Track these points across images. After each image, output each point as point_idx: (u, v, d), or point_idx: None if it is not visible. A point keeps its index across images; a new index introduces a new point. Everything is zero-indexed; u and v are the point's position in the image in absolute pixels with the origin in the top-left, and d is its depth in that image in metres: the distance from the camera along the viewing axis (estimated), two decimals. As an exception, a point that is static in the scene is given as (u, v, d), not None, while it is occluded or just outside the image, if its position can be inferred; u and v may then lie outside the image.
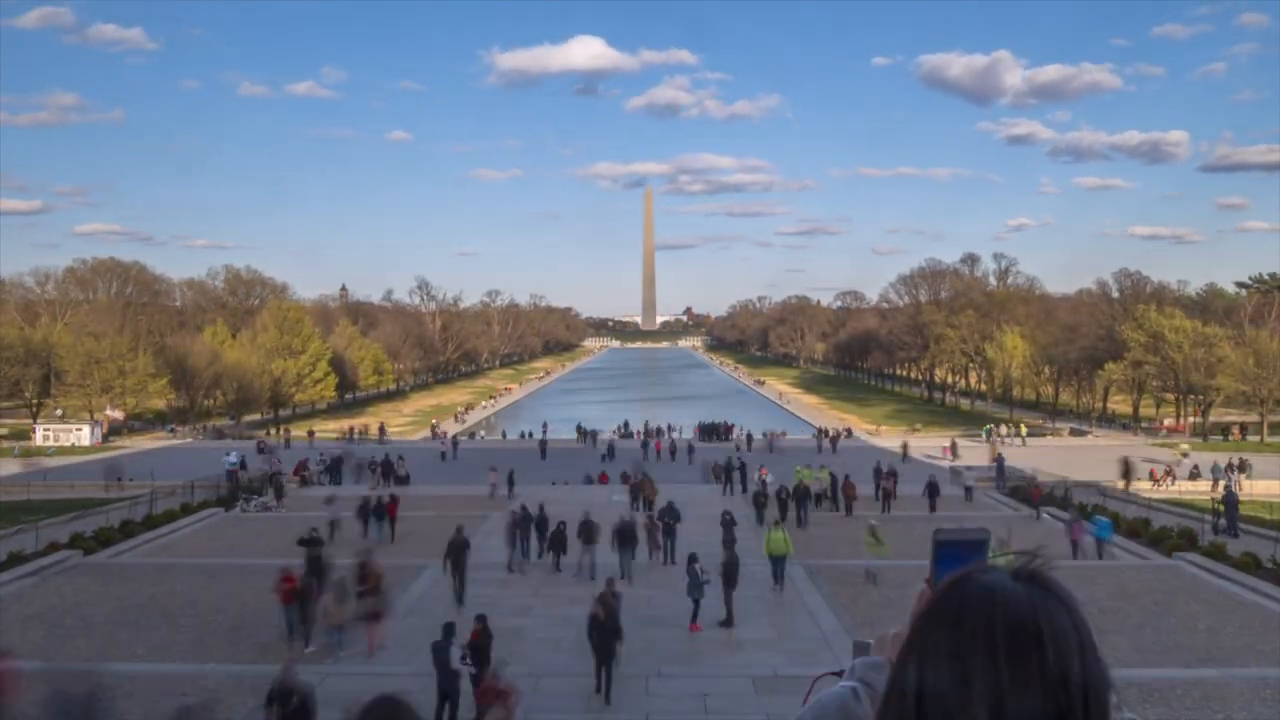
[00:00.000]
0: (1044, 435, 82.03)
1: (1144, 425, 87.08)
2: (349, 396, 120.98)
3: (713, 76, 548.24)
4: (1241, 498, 37.08)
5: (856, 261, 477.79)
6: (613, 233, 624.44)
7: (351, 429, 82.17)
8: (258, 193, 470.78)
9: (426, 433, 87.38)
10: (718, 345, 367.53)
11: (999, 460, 48.38)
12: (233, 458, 49.00)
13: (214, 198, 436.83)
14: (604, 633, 16.17)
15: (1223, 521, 33.56)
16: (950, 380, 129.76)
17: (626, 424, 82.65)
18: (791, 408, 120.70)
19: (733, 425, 78.95)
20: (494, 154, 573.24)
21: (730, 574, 21.24)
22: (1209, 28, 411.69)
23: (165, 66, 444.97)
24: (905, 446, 62.90)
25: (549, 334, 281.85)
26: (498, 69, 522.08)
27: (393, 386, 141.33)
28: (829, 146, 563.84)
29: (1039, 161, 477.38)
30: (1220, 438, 76.31)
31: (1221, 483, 43.16)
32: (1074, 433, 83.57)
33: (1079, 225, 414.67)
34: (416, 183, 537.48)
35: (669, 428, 76.96)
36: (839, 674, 1.55)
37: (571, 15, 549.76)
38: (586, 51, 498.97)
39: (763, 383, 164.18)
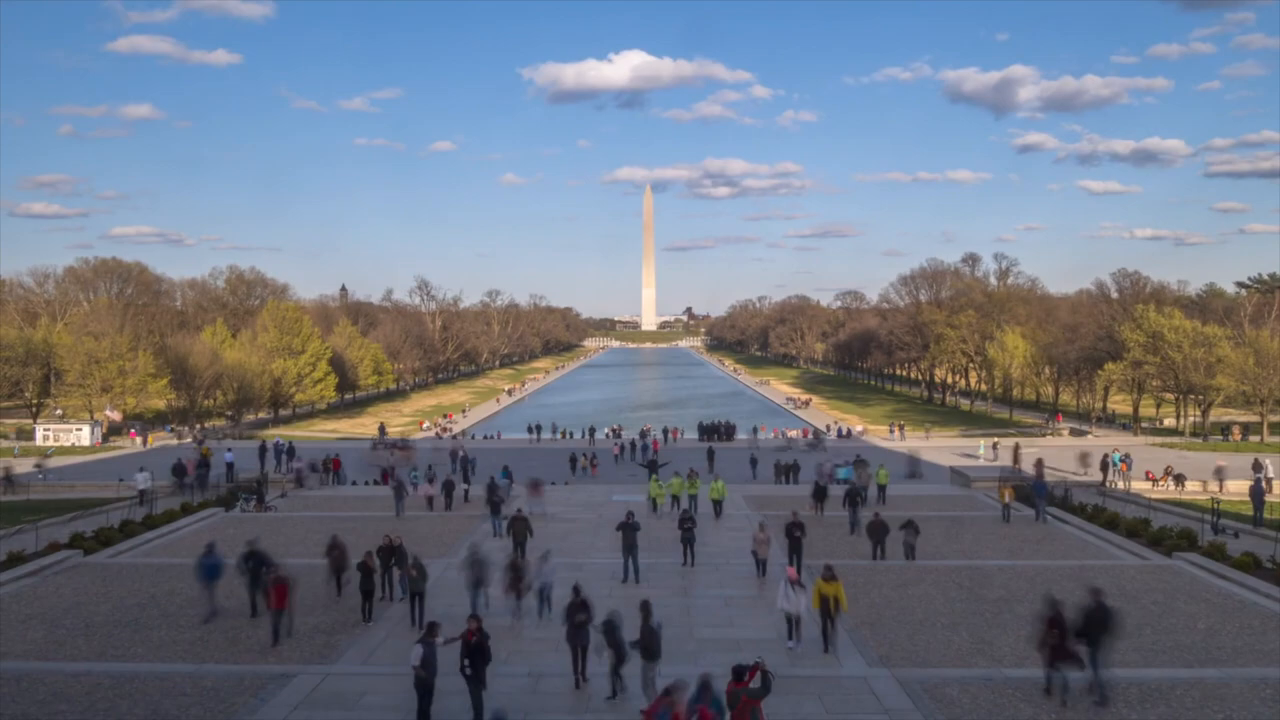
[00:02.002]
0: (1043, 435, 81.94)
1: (1144, 425, 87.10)
2: (349, 396, 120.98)
3: (761, 94, 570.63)
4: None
5: (866, 263, 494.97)
6: (625, 235, 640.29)
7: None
8: (290, 199, 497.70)
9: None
10: (718, 345, 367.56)
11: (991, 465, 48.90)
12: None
13: (248, 203, 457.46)
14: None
15: (1222, 520, 33.68)
16: (950, 380, 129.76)
17: (619, 428, 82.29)
18: (807, 415, 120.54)
19: (735, 425, 78.49)
20: (520, 160, 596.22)
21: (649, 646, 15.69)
22: (1210, 48, 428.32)
23: (233, 84, 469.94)
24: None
25: (549, 334, 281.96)
26: (539, 84, 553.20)
27: (393, 386, 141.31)
28: (853, 153, 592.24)
29: (1047, 168, 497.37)
30: (1220, 437, 76.30)
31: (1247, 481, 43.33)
32: (1074, 433, 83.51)
33: (1086, 229, 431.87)
34: (447, 189, 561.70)
35: (664, 430, 76.80)
36: None
37: (616, 32, 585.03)
38: (630, 63, 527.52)
39: (807, 403, 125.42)
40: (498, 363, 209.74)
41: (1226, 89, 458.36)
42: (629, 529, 24.99)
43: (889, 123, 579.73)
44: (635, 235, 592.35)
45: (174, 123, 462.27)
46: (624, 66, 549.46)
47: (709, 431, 74.93)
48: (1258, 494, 35.95)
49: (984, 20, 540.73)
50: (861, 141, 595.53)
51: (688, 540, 26.80)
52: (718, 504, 35.04)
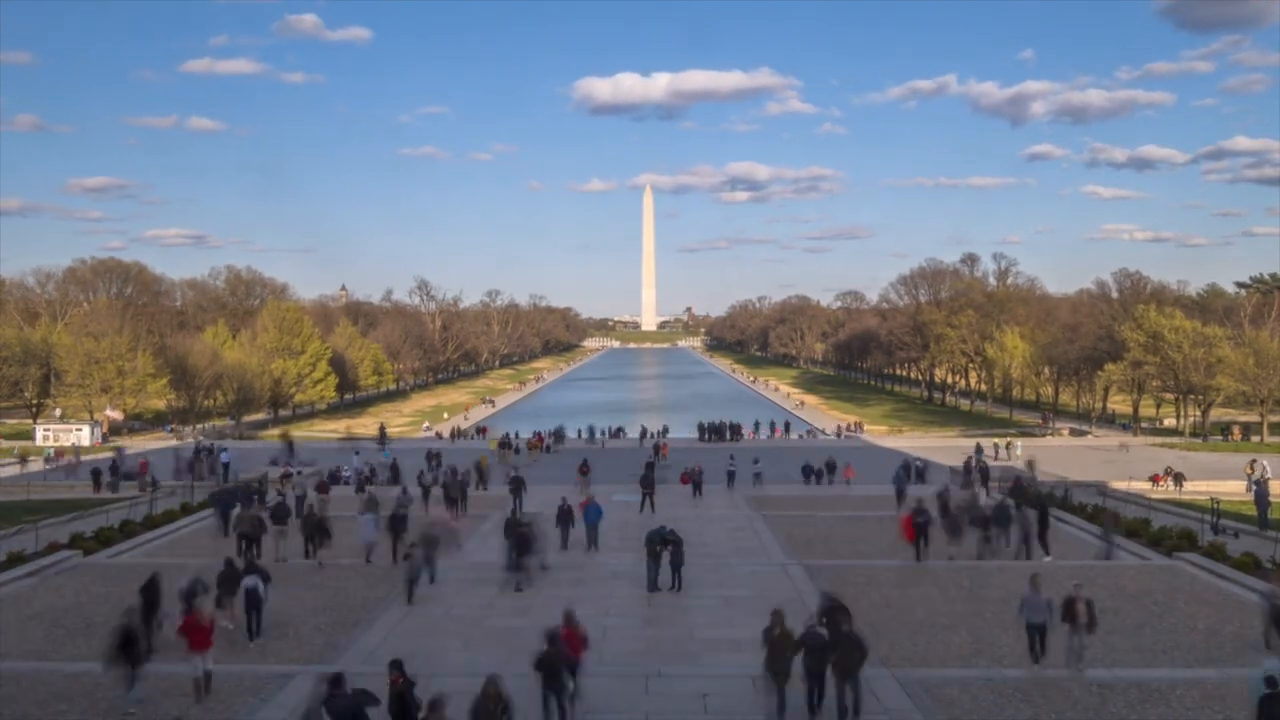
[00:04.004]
0: (1044, 436, 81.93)
1: (1144, 425, 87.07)
2: (349, 397, 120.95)
3: (801, 107, 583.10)
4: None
5: (876, 265, 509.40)
6: (630, 236, 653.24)
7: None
8: (322, 203, 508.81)
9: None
10: (717, 345, 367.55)
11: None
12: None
13: (283, 207, 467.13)
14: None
15: (1222, 521, 33.66)
16: (950, 380, 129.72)
17: (622, 428, 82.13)
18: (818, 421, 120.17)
19: (740, 425, 77.14)
20: (550, 167, 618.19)
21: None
22: (1209, 65, 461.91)
23: (302, 100, 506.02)
24: None
25: (549, 334, 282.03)
26: (576, 99, 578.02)
27: (393, 386, 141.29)
28: (881, 159, 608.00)
29: (1058, 174, 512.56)
30: (1220, 438, 76.30)
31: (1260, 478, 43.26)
32: (1074, 433, 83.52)
33: (1090, 231, 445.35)
34: (468, 194, 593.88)
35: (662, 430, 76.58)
36: None
37: (652, 45, 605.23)
38: (674, 76, 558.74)
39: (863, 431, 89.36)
40: (498, 363, 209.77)
41: (1224, 102, 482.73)
42: (652, 543, 23.63)
43: (915, 132, 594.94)
44: (639, 236, 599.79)
45: (235, 131, 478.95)
46: (663, 79, 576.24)
47: (710, 432, 73.78)
48: (1261, 497, 35.87)
49: (1007, 38, 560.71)
50: (889, 149, 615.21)
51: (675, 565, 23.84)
52: None
